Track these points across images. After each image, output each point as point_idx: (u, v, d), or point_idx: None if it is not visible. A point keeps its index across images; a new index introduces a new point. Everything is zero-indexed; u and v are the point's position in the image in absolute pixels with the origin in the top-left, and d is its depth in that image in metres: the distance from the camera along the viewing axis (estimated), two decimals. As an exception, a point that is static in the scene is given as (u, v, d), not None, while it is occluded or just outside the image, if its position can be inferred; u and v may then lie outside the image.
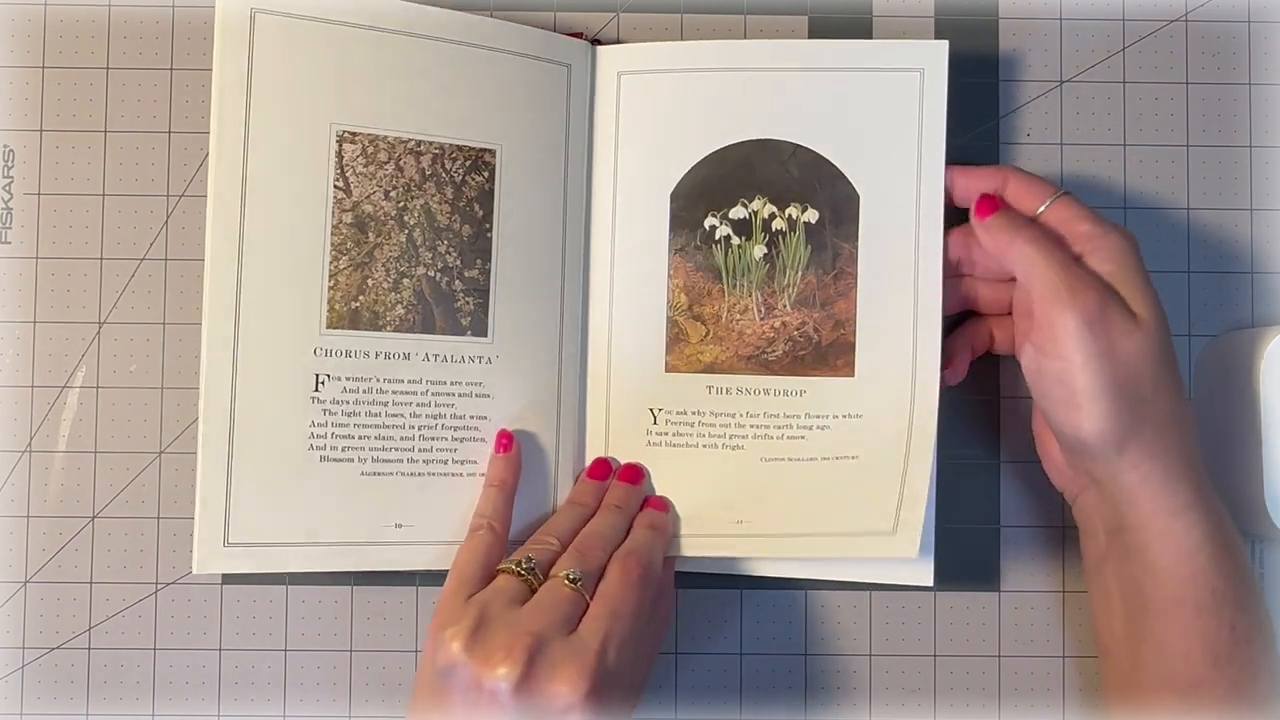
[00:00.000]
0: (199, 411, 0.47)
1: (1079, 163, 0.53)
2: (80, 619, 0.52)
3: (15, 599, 0.52)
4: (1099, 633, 0.48)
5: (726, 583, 0.52)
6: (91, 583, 0.52)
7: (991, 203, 0.47)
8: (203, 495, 0.47)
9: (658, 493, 0.51)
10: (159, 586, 0.52)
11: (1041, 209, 0.46)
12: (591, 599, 0.44)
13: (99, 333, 0.52)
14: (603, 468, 0.50)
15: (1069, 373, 0.43)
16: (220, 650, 0.52)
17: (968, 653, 0.52)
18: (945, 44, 0.49)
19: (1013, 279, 0.47)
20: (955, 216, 0.49)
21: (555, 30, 0.53)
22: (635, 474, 0.50)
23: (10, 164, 0.52)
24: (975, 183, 0.48)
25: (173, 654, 0.52)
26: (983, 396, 0.52)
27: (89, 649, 0.52)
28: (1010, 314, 0.50)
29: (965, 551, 0.52)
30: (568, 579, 0.44)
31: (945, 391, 0.49)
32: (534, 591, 0.44)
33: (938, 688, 0.52)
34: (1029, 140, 0.53)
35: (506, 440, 0.49)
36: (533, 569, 0.44)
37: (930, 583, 0.48)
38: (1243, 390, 0.49)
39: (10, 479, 0.52)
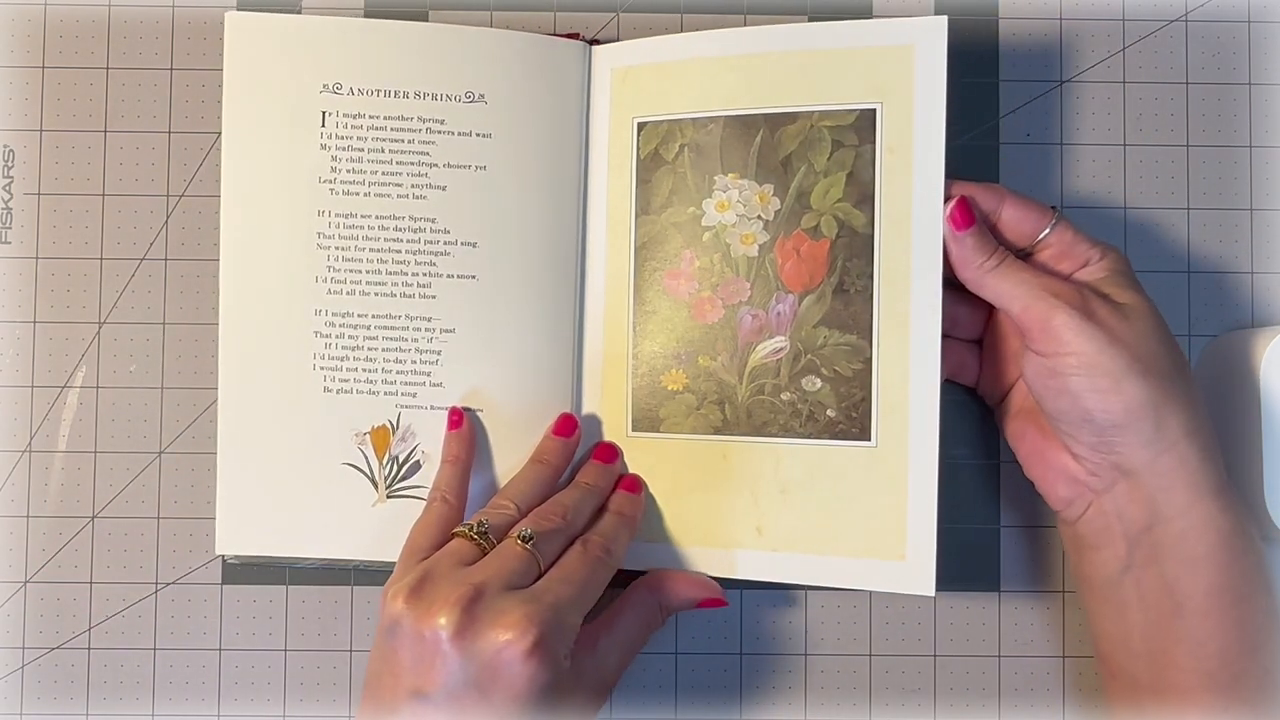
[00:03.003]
0: (219, 398, 0.49)
1: (1079, 163, 0.53)
2: (80, 619, 0.52)
3: (15, 599, 0.52)
4: (1107, 655, 0.47)
5: (726, 583, 0.51)
6: (91, 583, 0.52)
7: (968, 215, 0.46)
8: (224, 477, 0.49)
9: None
10: (159, 586, 0.52)
11: (1044, 234, 0.46)
12: (545, 567, 0.44)
13: (99, 333, 0.52)
14: (568, 424, 0.50)
15: (1088, 361, 0.43)
16: (220, 650, 0.52)
17: (968, 653, 0.52)
18: (944, 19, 0.46)
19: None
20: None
21: (555, 31, 0.53)
22: (610, 453, 0.50)
23: (10, 164, 0.53)
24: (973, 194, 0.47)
25: (173, 654, 0.52)
26: (983, 396, 0.52)
27: (89, 649, 0.52)
28: (970, 340, 0.50)
29: (965, 552, 0.52)
30: (520, 538, 0.44)
31: (944, 392, 0.49)
32: (486, 554, 0.44)
33: (938, 688, 0.52)
34: (1029, 140, 0.53)
35: (458, 417, 0.49)
36: (485, 533, 0.44)
37: (931, 592, 0.47)
38: (1243, 390, 0.49)
39: (10, 479, 0.52)
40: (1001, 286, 0.45)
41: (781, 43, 0.48)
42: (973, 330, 0.50)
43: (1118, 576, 0.45)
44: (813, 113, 0.48)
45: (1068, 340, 0.43)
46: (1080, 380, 0.43)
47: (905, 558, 0.47)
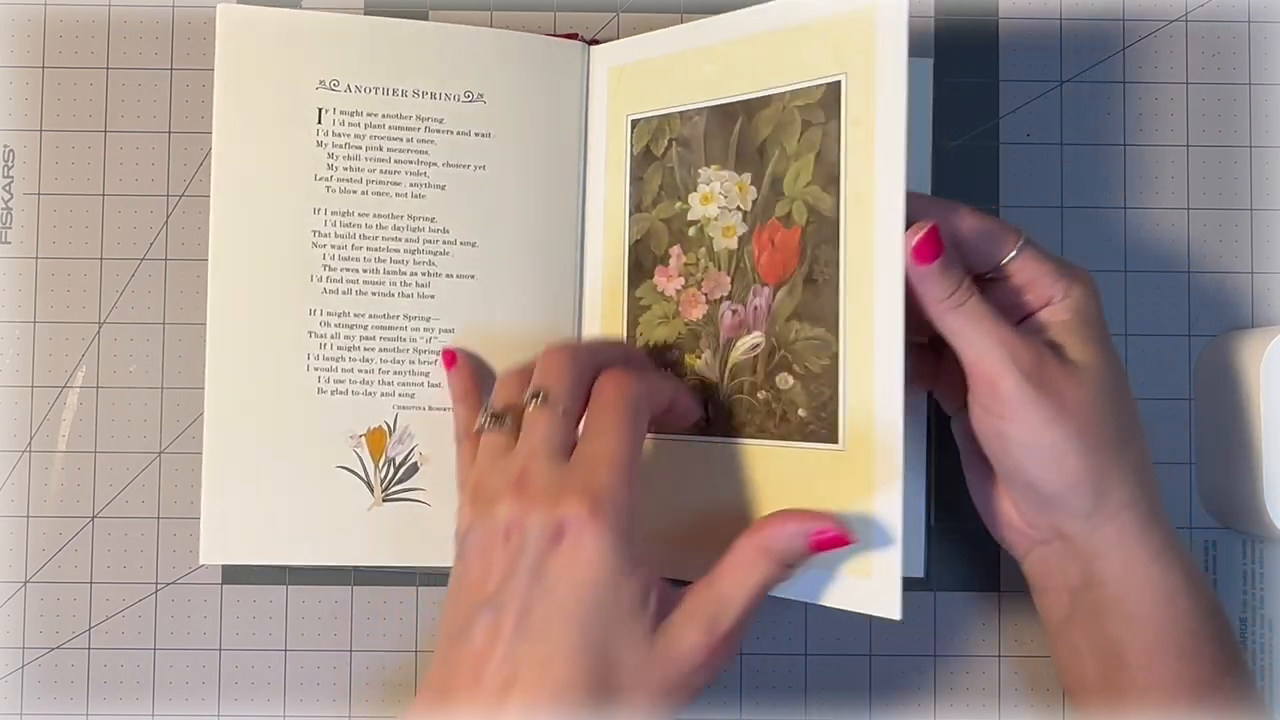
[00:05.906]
0: (205, 400, 0.48)
1: (1079, 163, 0.53)
2: (80, 619, 0.52)
3: (15, 599, 0.52)
4: (1070, 687, 0.46)
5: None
6: (91, 583, 0.52)
7: (936, 246, 0.41)
8: (209, 483, 0.48)
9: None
10: (159, 586, 0.52)
11: (1010, 257, 0.43)
12: (578, 415, 0.42)
13: (99, 333, 0.52)
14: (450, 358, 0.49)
15: (1032, 431, 0.41)
16: (220, 650, 0.52)
17: (967, 653, 0.52)
18: None
19: None
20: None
21: (555, 31, 0.53)
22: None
23: (10, 164, 0.53)
24: (931, 213, 0.43)
25: (173, 654, 0.52)
26: (982, 396, 0.52)
27: (89, 649, 0.52)
28: (926, 341, 0.48)
29: (965, 551, 0.52)
30: (537, 401, 0.41)
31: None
32: (518, 428, 0.42)
33: (938, 688, 0.52)
34: (1029, 140, 0.53)
35: (450, 356, 0.49)
36: (501, 415, 0.42)
37: (897, 616, 0.41)
38: (1243, 390, 0.49)
39: (10, 479, 0.52)
40: (959, 327, 0.42)
41: (753, 24, 0.46)
42: (929, 329, 0.46)
43: (1064, 624, 0.45)
44: (784, 94, 0.45)
45: (1014, 409, 0.41)
46: (1023, 449, 0.42)
47: (870, 575, 0.42)
